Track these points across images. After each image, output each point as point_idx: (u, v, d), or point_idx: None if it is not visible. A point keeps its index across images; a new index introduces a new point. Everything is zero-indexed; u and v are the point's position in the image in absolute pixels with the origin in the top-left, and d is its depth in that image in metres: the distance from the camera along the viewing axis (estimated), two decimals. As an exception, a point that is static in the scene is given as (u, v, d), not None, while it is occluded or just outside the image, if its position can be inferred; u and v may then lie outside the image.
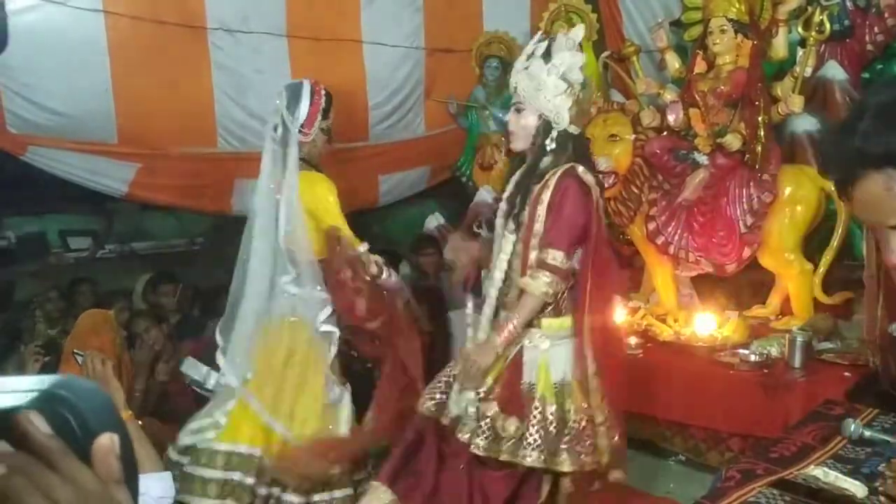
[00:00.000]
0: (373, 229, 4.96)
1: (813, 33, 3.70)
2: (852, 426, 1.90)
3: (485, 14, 5.44)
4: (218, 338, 3.09)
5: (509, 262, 2.46)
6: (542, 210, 2.34)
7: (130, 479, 0.54)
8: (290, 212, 2.97)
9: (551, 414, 2.34)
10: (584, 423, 2.35)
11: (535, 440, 2.31)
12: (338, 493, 2.99)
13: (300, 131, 3.00)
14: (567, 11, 4.77)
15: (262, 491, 2.93)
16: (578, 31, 2.49)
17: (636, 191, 3.92)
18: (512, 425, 2.31)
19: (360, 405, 3.14)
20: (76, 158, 4.15)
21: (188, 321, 4.61)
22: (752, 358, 3.29)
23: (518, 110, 2.43)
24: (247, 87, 4.55)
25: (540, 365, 2.38)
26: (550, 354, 2.39)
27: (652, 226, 3.85)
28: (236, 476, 2.92)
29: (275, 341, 3.04)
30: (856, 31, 4.02)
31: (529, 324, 2.40)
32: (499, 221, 2.54)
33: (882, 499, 1.58)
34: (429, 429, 2.57)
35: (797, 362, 3.18)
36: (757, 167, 3.63)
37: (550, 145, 2.37)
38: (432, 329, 3.68)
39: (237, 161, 4.63)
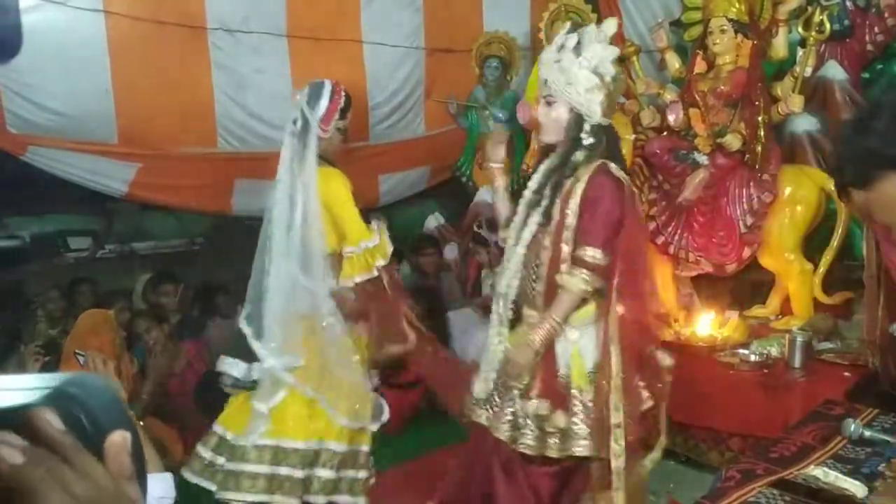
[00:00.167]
0: (373, 229, 4.96)
1: (813, 33, 3.70)
2: (852, 426, 1.90)
3: (485, 14, 5.44)
4: (245, 328, 3.14)
5: (537, 255, 2.42)
6: (573, 204, 2.32)
7: (140, 475, 0.55)
8: (307, 204, 3.07)
9: (590, 402, 2.33)
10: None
11: (582, 430, 2.31)
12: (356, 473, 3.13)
13: (319, 126, 3.11)
14: (567, 11, 4.77)
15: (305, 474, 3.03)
16: (610, 25, 2.45)
17: (636, 191, 3.92)
18: (561, 419, 2.31)
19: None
20: (76, 158, 4.15)
21: (188, 321, 4.61)
22: (752, 358, 3.29)
23: (548, 103, 2.40)
24: (247, 87, 4.55)
25: (572, 355, 2.38)
26: (581, 344, 2.38)
27: (652, 226, 3.85)
28: (284, 470, 3.00)
29: (307, 332, 3.11)
30: (856, 31, 4.02)
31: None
32: (521, 210, 2.51)
33: (882, 500, 1.59)
34: (478, 446, 2.56)
35: (797, 362, 3.19)
36: (757, 167, 3.63)
37: (587, 139, 2.35)
38: (432, 329, 3.69)
39: (237, 161, 4.63)
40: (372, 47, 4.93)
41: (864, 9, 4.01)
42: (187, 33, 4.28)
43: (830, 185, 3.27)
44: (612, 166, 2.34)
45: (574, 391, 2.34)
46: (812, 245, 3.74)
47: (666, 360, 2.45)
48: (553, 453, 2.34)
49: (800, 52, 3.83)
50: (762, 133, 3.60)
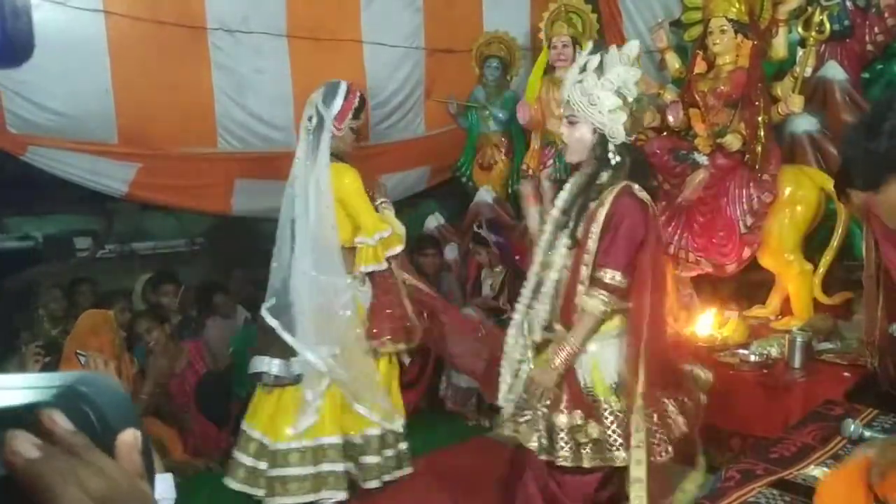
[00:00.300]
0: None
1: (813, 33, 3.70)
2: (852, 426, 1.90)
3: (485, 14, 5.44)
4: (271, 320, 3.24)
5: (559, 276, 2.45)
6: (595, 228, 2.34)
7: (149, 474, 0.56)
8: (319, 200, 3.18)
9: (619, 412, 2.36)
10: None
11: (616, 440, 2.33)
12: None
13: (333, 124, 3.23)
14: (567, 11, 4.77)
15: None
16: (633, 46, 2.47)
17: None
18: (594, 430, 2.33)
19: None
20: (76, 158, 4.15)
21: (188, 321, 4.61)
22: (752, 358, 3.29)
23: (571, 122, 2.43)
24: (247, 87, 4.55)
25: (592, 367, 2.41)
26: (600, 357, 2.41)
27: (652, 226, 3.84)
28: (326, 467, 3.15)
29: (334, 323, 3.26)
30: (856, 31, 4.01)
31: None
32: (549, 229, 2.53)
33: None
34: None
35: (797, 362, 3.19)
36: (757, 167, 3.63)
37: (614, 159, 2.37)
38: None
39: (237, 161, 4.63)
40: (372, 47, 4.93)
41: (864, 9, 4.00)
42: (187, 33, 4.28)
43: (830, 186, 3.27)
44: (636, 187, 2.36)
45: (603, 404, 2.37)
46: (812, 245, 3.74)
47: (702, 376, 2.47)
48: (587, 463, 2.35)
49: (800, 52, 3.83)
50: (762, 133, 3.60)
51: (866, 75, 4.14)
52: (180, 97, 4.31)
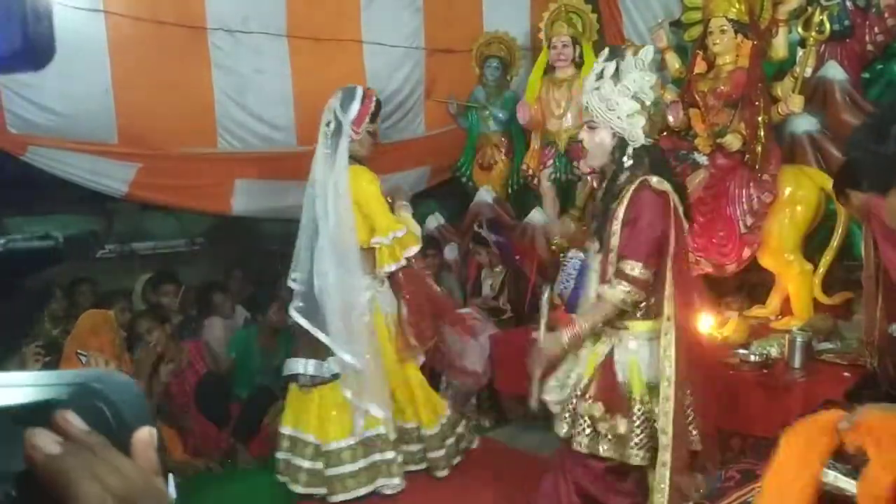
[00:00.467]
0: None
1: (813, 33, 3.70)
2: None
3: (485, 14, 5.44)
4: (301, 319, 3.35)
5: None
6: (616, 226, 2.40)
7: (164, 471, 0.56)
8: (338, 202, 3.29)
9: (648, 411, 2.42)
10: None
11: (641, 440, 2.39)
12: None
13: (351, 128, 3.34)
14: (567, 11, 4.77)
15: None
16: (648, 52, 2.52)
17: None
18: (622, 426, 2.38)
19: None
20: (76, 158, 4.15)
21: (189, 321, 4.62)
22: (752, 358, 3.29)
23: (591, 128, 2.49)
24: (247, 87, 4.55)
25: (630, 366, 2.45)
26: (640, 355, 2.45)
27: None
28: (376, 457, 3.31)
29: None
30: (856, 31, 4.01)
31: (618, 326, 2.46)
32: (592, 238, 2.61)
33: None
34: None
35: (797, 362, 3.18)
36: (757, 167, 3.62)
37: (627, 162, 2.43)
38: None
39: (237, 161, 4.63)
40: (372, 47, 4.93)
41: (864, 9, 4.00)
42: (187, 33, 4.28)
43: (830, 186, 3.26)
44: (654, 180, 2.39)
45: (638, 403, 2.41)
46: (812, 245, 3.73)
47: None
48: (603, 453, 2.42)
49: (800, 52, 3.83)
50: (762, 133, 3.60)
51: (866, 75, 4.14)
52: (180, 97, 4.31)
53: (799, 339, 3.21)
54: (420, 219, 5.40)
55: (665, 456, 2.33)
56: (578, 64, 4.75)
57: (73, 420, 0.52)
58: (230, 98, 4.50)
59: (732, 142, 3.59)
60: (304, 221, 3.42)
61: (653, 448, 2.39)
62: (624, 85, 2.40)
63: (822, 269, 3.62)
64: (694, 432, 2.46)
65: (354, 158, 3.37)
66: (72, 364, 2.86)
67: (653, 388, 2.43)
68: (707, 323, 3.69)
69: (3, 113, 3.87)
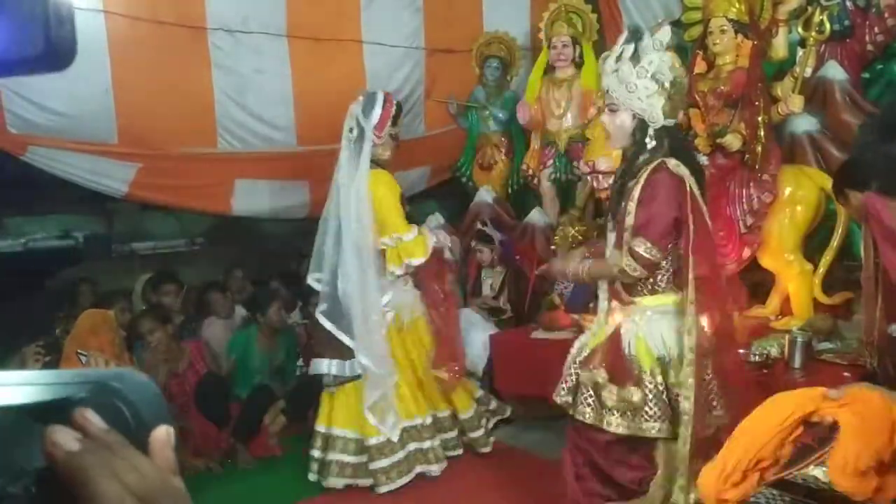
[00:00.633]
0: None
1: (813, 33, 3.69)
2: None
3: (485, 14, 5.44)
4: (326, 322, 3.46)
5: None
6: (631, 207, 2.42)
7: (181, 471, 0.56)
8: (360, 206, 3.40)
9: (661, 385, 2.43)
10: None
11: (654, 412, 2.41)
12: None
13: (373, 133, 3.44)
14: (567, 11, 4.77)
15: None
16: (665, 32, 2.54)
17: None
18: (636, 395, 2.40)
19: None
20: (76, 158, 4.15)
21: (190, 321, 4.62)
22: (752, 358, 3.28)
23: (612, 110, 2.51)
24: (247, 87, 4.55)
25: (638, 339, 2.47)
26: (647, 330, 2.47)
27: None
28: (413, 446, 3.45)
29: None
30: (856, 31, 4.01)
31: (625, 301, 2.50)
32: (608, 217, 2.65)
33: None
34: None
35: (797, 362, 3.18)
36: (757, 167, 3.62)
37: (650, 143, 2.44)
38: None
39: (237, 161, 4.64)
40: (372, 47, 4.93)
41: (864, 9, 4.00)
42: (187, 33, 4.28)
43: (830, 186, 3.27)
44: (672, 163, 2.41)
45: (648, 375, 2.43)
46: (812, 245, 3.73)
47: None
48: (615, 428, 2.43)
49: (800, 52, 3.83)
50: (762, 133, 3.59)
51: (866, 75, 4.14)
52: (180, 97, 4.31)
53: (799, 339, 3.21)
54: (420, 219, 5.43)
55: (686, 431, 2.34)
56: (578, 64, 4.75)
57: (93, 418, 0.52)
58: (230, 98, 4.50)
59: (732, 142, 3.59)
60: (328, 224, 3.50)
61: (668, 421, 2.41)
62: (642, 66, 2.41)
63: (822, 269, 3.62)
64: (718, 408, 2.44)
65: (376, 162, 3.48)
66: (72, 364, 2.86)
67: (664, 363, 2.44)
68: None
69: (3, 113, 3.87)
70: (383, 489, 3.40)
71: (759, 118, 3.59)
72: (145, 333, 3.86)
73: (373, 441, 3.42)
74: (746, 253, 3.72)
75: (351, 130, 3.48)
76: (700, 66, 3.83)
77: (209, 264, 5.73)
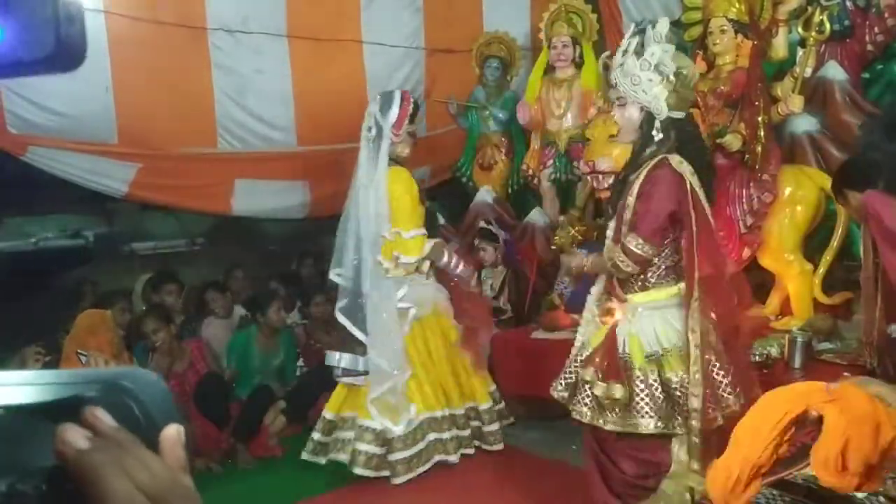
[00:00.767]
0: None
1: (813, 33, 3.69)
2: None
3: (485, 14, 5.44)
4: (343, 318, 3.51)
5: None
6: (631, 200, 2.45)
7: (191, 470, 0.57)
8: (378, 204, 3.46)
9: (654, 381, 2.44)
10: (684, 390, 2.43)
11: (643, 407, 2.43)
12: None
13: (391, 132, 3.49)
14: (567, 12, 4.76)
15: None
16: (663, 24, 2.55)
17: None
18: (617, 391, 2.42)
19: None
20: (76, 158, 4.16)
21: (190, 321, 4.62)
22: (752, 358, 3.29)
23: (621, 105, 2.55)
24: (247, 87, 4.56)
25: (631, 337, 2.50)
26: (639, 327, 2.50)
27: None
28: (432, 436, 3.50)
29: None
30: (856, 31, 4.01)
31: (620, 298, 2.53)
32: (609, 209, 2.69)
33: (881, 499, 1.59)
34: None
35: (797, 362, 3.18)
36: (757, 167, 3.62)
37: (657, 135, 2.47)
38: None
39: (237, 161, 4.64)
40: (372, 47, 4.93)
41: (864, 9, 4.00)
42: (187, 33, 4.28)
43: (830, 186, 3.27)
44: (675, 160, 2.42)
45: (638, 372, 2.45)
46: (812, 245, 3.73)
47: None
48: (609, 426, 2.47)
49: (800, 52, 3.82)
50: (762, 133, 3.59)
51: (866, 75, 4.14)
52: (180, 97, 4.32)
53: (799, 339, 3.21)
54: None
55: (697, 426, 2.35)
56: (578, 64, 4.75)
57: (103, 416, 0.52)
58: (230, 98, 4.51)
59: (732, 142, 3.59)
60: (350, 225, 3.56)
61: (662, 417, 2.42)
62: (645, 59, 2.44)
63: (822, 269, 3.62)
64: (730, 398, 2.42)
65: (395, 160, 3.54)
66: (72, 364, 2.86)
67: (657, 359, 2.46)
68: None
69: (3, 113, 3.87)
70: (400, 479, 3.42)
71: (759, 118, 3.58)
72: (149, 333, 3.85)
73: (394, 432, 3.46)
74: (746, 253, 3.72)
75: (369, 129, 3.53)
76: (700, 66, 3.82)
77: (209, 264, 5.73)
